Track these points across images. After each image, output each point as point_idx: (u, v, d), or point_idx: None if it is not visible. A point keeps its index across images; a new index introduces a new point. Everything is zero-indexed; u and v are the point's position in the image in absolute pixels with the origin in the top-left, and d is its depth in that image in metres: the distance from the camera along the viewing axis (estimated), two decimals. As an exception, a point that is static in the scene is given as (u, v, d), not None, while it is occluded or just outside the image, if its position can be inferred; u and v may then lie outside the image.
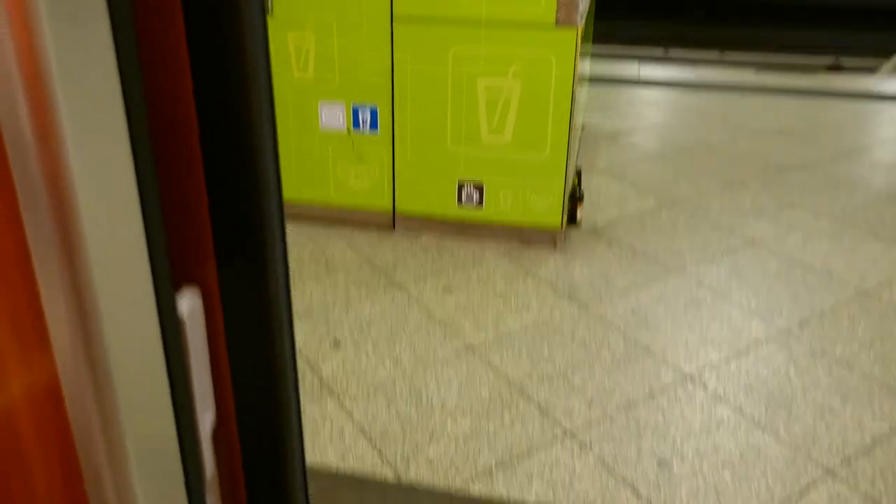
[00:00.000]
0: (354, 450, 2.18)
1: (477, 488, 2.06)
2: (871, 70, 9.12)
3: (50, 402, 0.56)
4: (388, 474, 2.10)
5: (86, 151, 0.51)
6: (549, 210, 3.21)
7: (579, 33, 2.94)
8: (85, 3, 0.46)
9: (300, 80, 3.20)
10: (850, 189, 4.05)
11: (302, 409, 2.32)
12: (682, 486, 2.08)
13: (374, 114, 3.21)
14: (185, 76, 0.60)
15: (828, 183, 4.13)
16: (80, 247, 0.53)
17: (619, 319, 2.82)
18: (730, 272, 3.17)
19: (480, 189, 3.23)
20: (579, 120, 3.84)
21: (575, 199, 3.46)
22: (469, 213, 3.29)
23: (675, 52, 10.56)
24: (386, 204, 3.35)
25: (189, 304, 0.59)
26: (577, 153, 3.97)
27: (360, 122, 3.23)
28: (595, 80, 5.82)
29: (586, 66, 4.11)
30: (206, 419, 0.63)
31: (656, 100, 5.85)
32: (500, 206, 3.25)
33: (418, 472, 2.10)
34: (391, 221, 3.39)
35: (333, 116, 3.24)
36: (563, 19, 2.91)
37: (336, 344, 2.64)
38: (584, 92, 4.10)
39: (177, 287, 0.63)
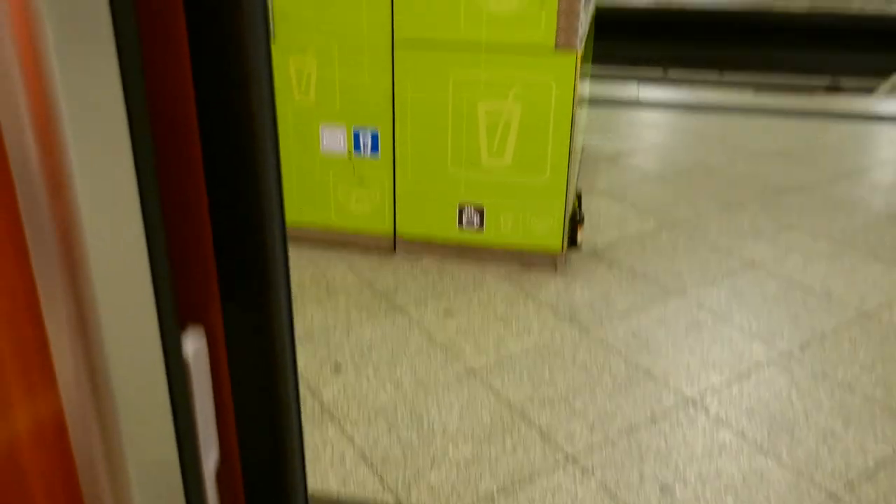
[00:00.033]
0: (355, 475, 2.17)
1: (478, 514, 2.05)
2: (869, 90, 9.18)
3: (55, 440, 0.56)
4: (389, 500, 2.09)
5: (94, 193, 0.51)
6: (550, 233, 3.22)
7: (579, 57, 2.97)
8: (89, 17, 0.47)
9: (301, 104, 3.23)
10: (848, 210, 4.07)
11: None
12: (684, 512, 2.07)
13: (374, 137, 3.23)
14: (192, 118, 0.61)
15: (826, 204, 4.14)
16: (88, 287, 0.54)
17: (620, 342, 2.82)
18: (730, 294, 3.17)
19: (481, 212, 3.24)
20: (579, 142, 3.86)
21: (575, 221, 3.47)
22: (470, 236, 3.30)
23: (675, 72, 10.64)
24: (387, 227, 3.37)
25: (194, 345, 0.60)
26: (578, 175, 3.99)
27: (361, 145, 3.25)
28: (594, 101, 5.85)
29: (586, 88, 4.14)
30: (209, 458, 0.63)
31: (655, 121, 5.88)
32: (501, 229, 3.26)
33: (420, 498, 2.09)
34: (392, 244, 3.40)
35: (334, 140, 3.26)
36: (563, 43, 2.94)
37: (337, 368, 2.63)
38: (583, 114, 4.13)
39: (182, 326, 0.64)
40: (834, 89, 10.01)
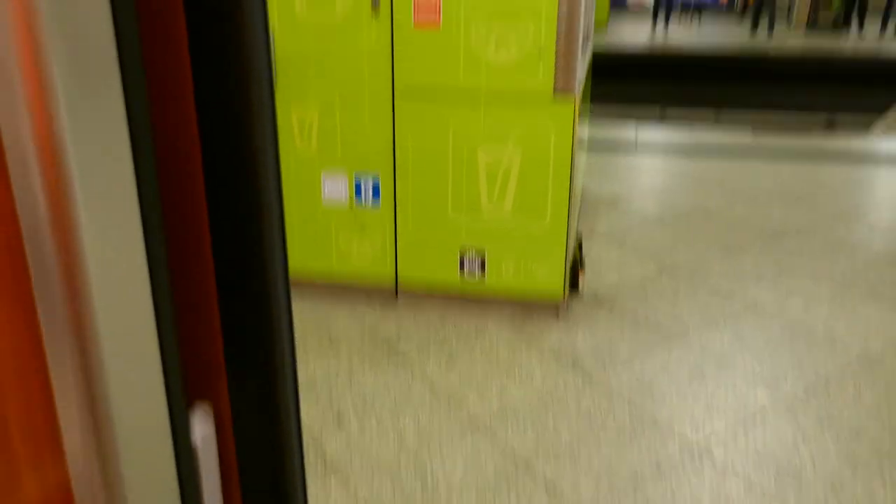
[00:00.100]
0: (359, 530, 2.14)
1: (484, 570, 2.02)
2: (865, 127, 9.27)
3: None
4: (393, 556, 2.06)
5: (105, 272, 0.52)
6: (551, 278, 3.23)
7: (577, 102, 3.01)
8: (100, 84, 0.48)
9: (303, 153, 3.26)
10: (848, 252, 4.08)
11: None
12: (693, 565, 2.04)
13: (376, 184, 3.25)
14: (200, 192, 0.62)
15: (826, 246, 4.15)
16: (97, 366, 0.54)
17: (624, 389, 2.80)
18: (732, 338, 3.17)
19: (482, 258, 3.25)
20: (579, 186, 3.89)
21: (576, 266, 3.48)
22: (471, 283, 3.30)
23: (672, 111, 10.75)
24: (388, 274, 3.37)
25: (202, 428, 0.60)
26: (578, 219, 4.01)
27: (363, 192, 3.27)
28: (593, 143, 5.90)
29: (585, 131, 4.18)
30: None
31: (654, 164, 5.92)
32: (502, 276, 3.27)
33: (424, 554, 2.07)
34: (394, 292, 3.41)
35: (336, 187, 3.29)
36: (561, 88, 2.98)
37: (339, 419, 2.62)
38: (583, 157, 4.17)
39: (189, 404, 0.64)
40: (830, 126, 10.11)
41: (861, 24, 14.95)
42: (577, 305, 3.42)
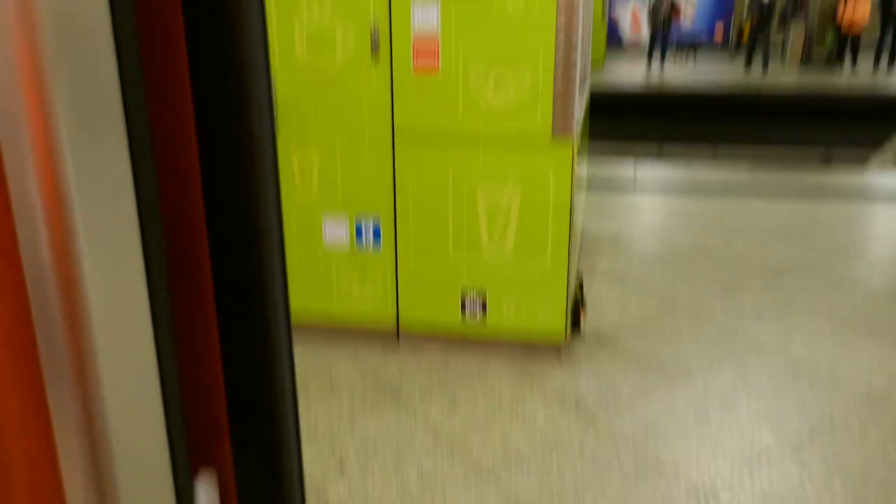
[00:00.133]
0: (362, 581, 2.11)
1: None
2: (861, 162, 9.33)
3: None
4: None
5: (110, 337, 0.52)
6: (553, 319, 3.22)
7: (575, 143, 3.03)
8: (104, 139, 0.49)
9: (304, 196, 3.28)
10: (848, 289, 4.08)
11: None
12: None
13: (376, 227, 3.26)
14: (205, 268, 0.63)
15: (826, 284, 4.15)
16: (102, 433, 0.54)
17: (628, 431, 2.78)
18: (735, 378, 3.15)
19: (483, 299, 3.25)
20: (579, 225, 3.91)
21: (578, 306, 3.48)
22: (473, 325, 3.29)
23: (670, 148, 10.83)
24: (390, 317, 3.37)
25: (206, 498, 0.60)
26: (578, 259, 4.02)
27: (363, 235, 3.29)
28: (592, 182, 5.94)
29: (583, 170, 4.21)
30: None
31: (653, 202, 5.95)
32: (504, 316, 3.26)
33: None
34: (395, 335, 3.40)
35: (337, 230, 3.30)
36: (560, 129, 3.01)
37: (341, 466, 2.59)
38: (582, 196, 4.19)
39: (193, 471, 0.64)
40: (827, 162, 10.18)
41: (854, 61, 15.13)
42: (579, 345, 3.41)
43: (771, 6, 15.10)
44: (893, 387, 3.08)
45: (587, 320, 3.63)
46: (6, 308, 0.50)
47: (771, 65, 15.25)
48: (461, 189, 3.13)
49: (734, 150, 10.58)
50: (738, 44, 17.39)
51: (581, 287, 3.71)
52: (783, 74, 14.64)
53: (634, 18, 19.60)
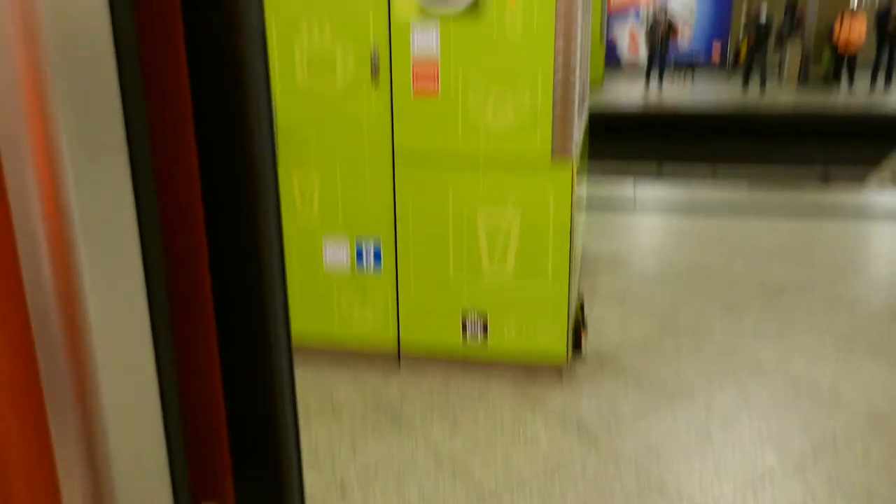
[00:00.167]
0: None
1: None
2: (859, 181, 9.36)
3: None
4: None
5: (113, 375, 0.53)
6: (554, 340, 3.22)
7: (575, 164, 3.05)
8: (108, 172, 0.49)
9: (305, 219, 3.29)
10: (849, 308, 4.08)
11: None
12: None
13: (377, 249, 3.27)
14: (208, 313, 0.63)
15: (827, 302, 4.16)
16: (105, 466, 0.54)
17: (630, 452, 2.77)
18: (737, 398, 3.15)
19: (485, 321, 3.26)
20: (579, 246, 3.91)
21: (579, 327, 3.48)
22: (474, 347, 3.29)
23: (669, 167, 10.86)
24: (391, 339, 3.37)
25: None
26: (579, 279, 4.02)
27: (364, 257, 3.29)
28: (592, 202, 5.96)
29: (583, 190, 4.22)
30: None
31: (652, 222, 5.97)
32: (505, 338, 3.26)
33: None
34: (396, 357, 3.40)
35: (337, 252, 3.31)
36: (559, 151, 3.02)
37: (342, 489, 2.58)
38: (582, 217, 4.20)
39: (195, 497, 0.64)
40: (825, 181, 10.21)
41: (851, 80, 15.22)
42: (580, 366, 3.41)
43: (768, 26, 15.22)
44: (894, 408, 3.07)
45: (588, 341, 3.63)
46: (6, 322, 0.51)
47: (768, 84, 15.34)
48: (461, 211, 3.14)
49: (733, 169, 10.61)
50: (735, 64, 17.50)
51: (582, 308, 3.71)
52: (781, 94, 14.72)
53: (632, 39, 19.74)
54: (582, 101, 3.69)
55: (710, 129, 12.73)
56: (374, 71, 3.04)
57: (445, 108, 3.04)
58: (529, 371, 3.30)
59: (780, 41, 16.34)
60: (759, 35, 15.17)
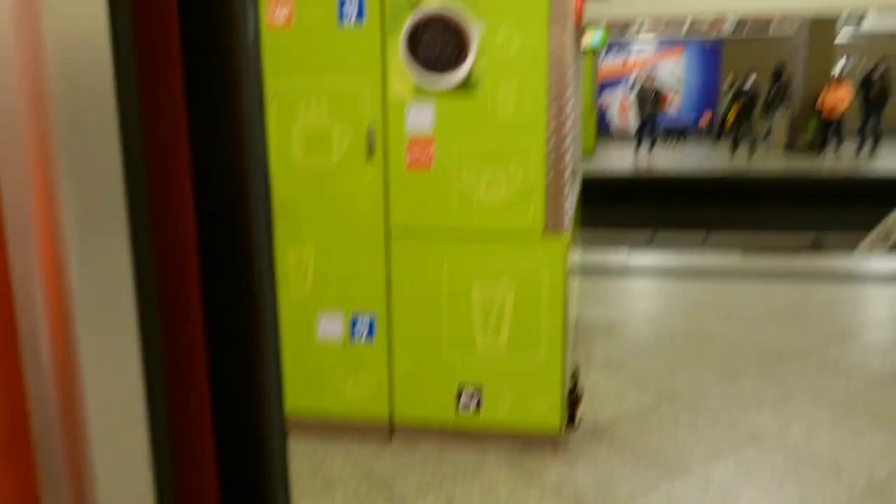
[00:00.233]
0: None
1: None
2: (850, 244, 9.44)
3: None
4: None
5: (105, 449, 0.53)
6: (549, 412, 3.20)
7: (568, 239, 3.08)
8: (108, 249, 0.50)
9: (298, 293, 3.30)
10: (846, 374, 4.07)
11: None
12: None
13: (371, 322, 3.27)
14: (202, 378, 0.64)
15: (823, 369, 4.15)
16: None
17: (629, 528, 2.73)
18: (736, 470, 3.11)
19: (479, 393, 3.24)
20: (573, 317, 3.92)
21: (574, 398, 3.46)
22: (468, 419, 3.27)
23: (661, 233, 10.96)
24: (384, 412, 3.34)
25: None
26: (574, 349, 4.01)
27: (357, 330, 3.29)
28: (586, 269, 5.98)
29: (576, 258, 4.25)
30: None
31: (647, 288, 5.99)
32: (499, 410, 3.24)
33: None
34: (389, 430, 3.36)
35: (331, 326, 3.31)
36: (552, 226, 3.06)
37: (336, 569, 2.53)
38: (576, 284, 4.22)
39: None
40: (817, 246, 10.29)
41: (838, 145, 15.50)
42: (576, 438, 3.37)
43: (754, 94, 15.57)
44: (895, 478, 3.04)
45: (583, 412, 3.60)
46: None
47: (756, 151, 15.60)
48: (455, 284, 3.16)
49: (725, 235, 10.71)
50: (721, 131, 17.82)
51: (576, 378, 3.70)
52: (769, 160, 14.96)
53: (623, 107, 20.14)
54: (574, 173, 3.76)
55: (700, 195, 12.89)
56: (370, 148, 3.10)
57: (439, 183, 3.09)
58: (524, 443, 3.26)
59: (767, 109, 16.70)
60: (746, 102, 15.51)
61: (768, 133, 16.71)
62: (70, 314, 0.49)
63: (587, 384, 3.95)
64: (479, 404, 3.24)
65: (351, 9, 3.03)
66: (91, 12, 0.48)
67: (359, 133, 3.10)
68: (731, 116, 15.98)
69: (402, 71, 3.02)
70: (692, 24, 20.17)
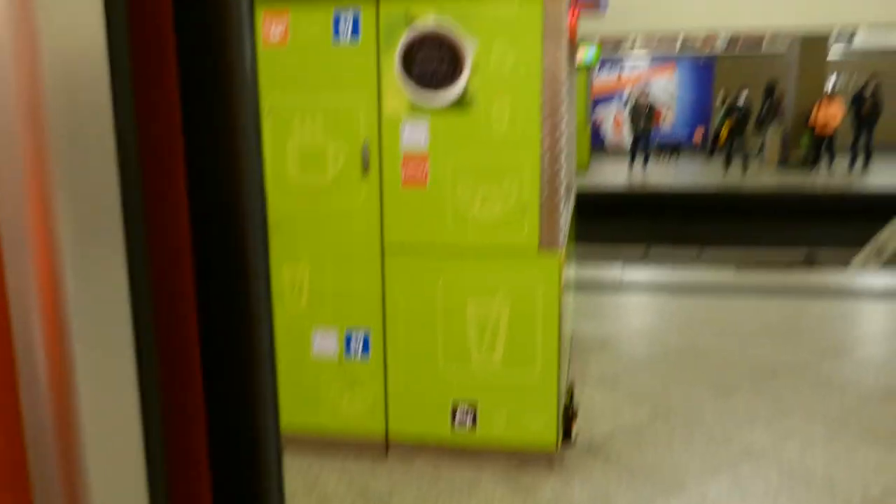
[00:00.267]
0: None
1: None
2: (845, 262, 9.47)
3: None
4: None
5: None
6: (544, 429, 3.20)
7: (562, 256, 3.09)
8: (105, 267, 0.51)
9: (293, 310, 3.29)
10: (839, 390, 4.08)
11: None
12: None
13: (366, 339, 3.27)
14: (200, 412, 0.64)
15: (817, 384, 4.15)
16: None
17: (624, 545, 2.72)
18: (732, 487, 3.11)
19: (474, 410, 3.23)
20: (568, 333, 3.92)
21: (569, 414, 3.46)
22: (463, 436, 3.26)
23: (657, 249, 10.98)
24: (379, 429, 3.33)
25: None
26: (569, 365, 4.01)
27: (353, 347, 3.29)
28: (581, 284, 5.99)
29: (571, 273, 4.26)
30: None
31: (641, 304, 6.00)
32: (494, 427, 3.23)
33: None
34: (385, 446, 3.35)
35: (326, 343, 3.30)
36: (546, 243, 3.07)
37: (331, 588, 2.51)
38: (570, 300, 4.22)
39: None
40: (811, 262, 10.32)
41: (831, 161, 15.59)
42: (571, 454, 3.37)
43: (747, 110, 15.67)
44: (891, 494, 3.04)
45: (578, 428, 3.60)
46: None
47: (749, 167, 15.68)
48: (450, 301, 3.16)
49: (719, 251, 10.74)
50: (713, 147, 17.91)
51: (572, 394, 3.70)
52: (762, 176, 15.04)
53: (617, 123, 20.24)
54: (568, 189, 3.77)
55: (694, 210, 12.93)
56: (365, 165, 3.11)
57: (434, 199, 3.10)
58: (520, 460, 3.26)
59: (760, 125, 16.80)
60: (739, 119, 15.60)
61: (761, 149, 16.80)
62: (64, 322, 0.49)
63: (582, 400, 3.94)
64: (474, 421, 3.24)
65: (346, 26, 3.05)
66: (88, 25, 0.48)
67: (354, 150, 3.12)
68: (723, 132, 16.07)
69: (397, 88, 3.04)
70: (685, 40, 20.33)
